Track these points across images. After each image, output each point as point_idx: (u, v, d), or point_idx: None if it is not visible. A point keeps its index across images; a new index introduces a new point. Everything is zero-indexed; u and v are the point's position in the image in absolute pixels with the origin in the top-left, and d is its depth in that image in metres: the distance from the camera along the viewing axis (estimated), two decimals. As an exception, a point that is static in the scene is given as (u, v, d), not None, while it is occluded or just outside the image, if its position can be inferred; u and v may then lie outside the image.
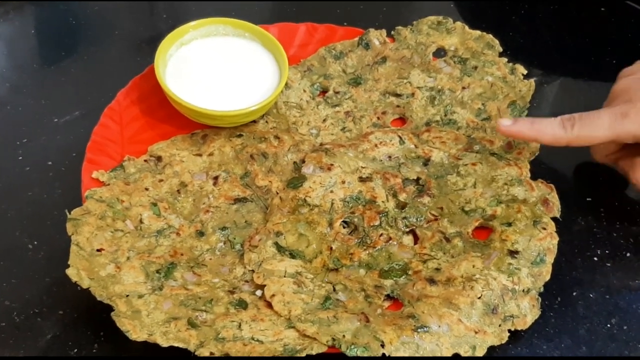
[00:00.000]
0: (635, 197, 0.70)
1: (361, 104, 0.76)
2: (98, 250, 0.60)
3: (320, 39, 0.81)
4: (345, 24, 0.83)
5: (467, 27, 0.80)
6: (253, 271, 0.60)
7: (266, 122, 0.73)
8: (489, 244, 0.61)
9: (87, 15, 0.89)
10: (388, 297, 0.59)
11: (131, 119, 0.72)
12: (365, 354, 0.53)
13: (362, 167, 0.67)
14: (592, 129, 0.61)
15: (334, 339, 0.53)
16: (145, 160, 0.68)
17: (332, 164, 0.66)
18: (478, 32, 0.79)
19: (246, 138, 0.71)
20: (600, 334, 0.60)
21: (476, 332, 0.56)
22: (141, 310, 0.55)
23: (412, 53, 0.78)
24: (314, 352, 0.53)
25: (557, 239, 0.61)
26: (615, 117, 0.61)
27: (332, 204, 0.64)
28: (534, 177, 0.66)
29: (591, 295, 0.62)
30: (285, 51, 0.73)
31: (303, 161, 0.68)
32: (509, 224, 0.62)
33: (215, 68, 0.72)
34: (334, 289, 0.59)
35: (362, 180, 0.66)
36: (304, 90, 0.76)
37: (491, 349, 0.56)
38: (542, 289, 0.59)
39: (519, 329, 0.57)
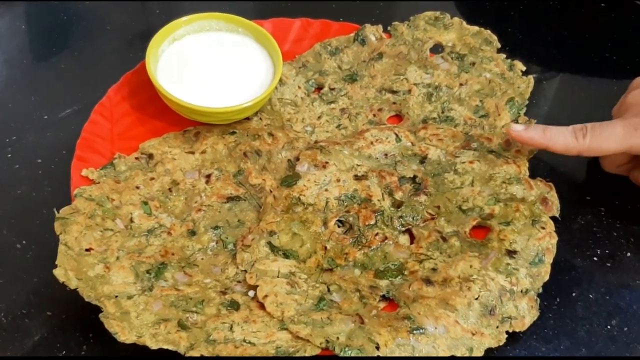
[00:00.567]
0: (635, 196, 0.68)
1: (357, 101, 0.74)
2: (87, 250, 0.58)
3: (315, 34, 0.80)
4: (340, 19, 0.82)
5: (464, 23, 0.79)
6: (246, 271, 0.59)
7: (260, 119, 0.72)
8: (486, 243, 0.60)
9: (78, 10, 0.88)
10: (383, 297, 0.58)
11: (122, 115, 0.70)
12: (360, 357, 0.52)
13: (357, 165, 0.66)
14: (605, 140, 0.61)
15: (327, 341, 0.52)
16: (136, 158, 0.67)
17: (327, 162, 0.65)
18: (476, 28, 0.78)
19: (239, 135, 0.70)
20: (600, 335, 0.59)
21: (473, 334, 0.55)
22: (130, 312, 0.54)
23: (408, 49, 0.77)
24: (307, 355, 0.52)
25: (556, 238, 0.60)
26: (628, 129, 0.61)
27: (327, 202, 0.63)
28: (532, 175, 0.65)
29: (591, 296, 0.61)
30: (280, 47, 0.72)
31: (297, 159, 0.67)
32: (507, 223, 0.61)
33: (208, 64, 0.71)
34: (328, 290, 0.58)
35: (357, 178, 0.65)
36: (299, 87, 0.75)
37: (489, 351, 0.55)
38: (540, 290, 0.58)
39: (517, 330, 0.56)
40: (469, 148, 0.67)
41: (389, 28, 0.80)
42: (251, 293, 0.58)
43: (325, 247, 0.61)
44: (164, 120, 0.71)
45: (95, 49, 0.83)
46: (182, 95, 0.67)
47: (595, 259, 0.64)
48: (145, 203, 0.63)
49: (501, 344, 0.55)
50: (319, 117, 0.73)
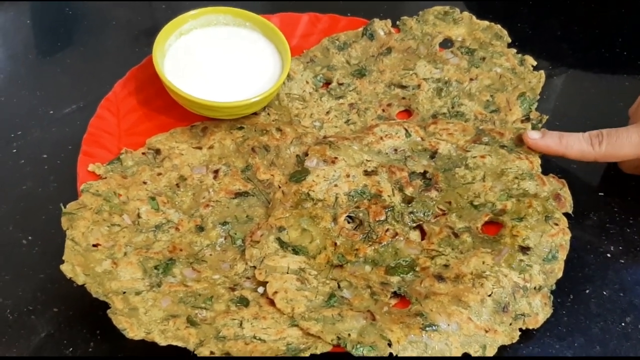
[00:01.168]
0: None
1: (366, 96, 0.74)
2: (94, 246, 0.58)
3: (323, 29, 0.79)
4: (348, 14, 0.81)
5: (474, 18, 0.78)
6: (255, 267, 0.58)
7: (268, 114, 0.71)
8: (499, 239, 0.59)
9: (84, 4, 0.87)
10: (395, 294, 0.57)
11: (128, 110, 0.70)
12: (372, 354, 0.51)
13: (367, 160, 0.65)
14: (620, 147, 0.62)
15: (339, 338, 0.52)
16: (143, 153, 0.67)
17: (336, 157, 0.64)
18: (486, 23, 0.77)
19: (247, 130, 0.69)
20: (615, 332, 0.58)
21: (486, 331, 0.54)
22: (138, 308, 0.54)
23: (418, 44, 0.77)
24: (318, 352, 0.51)
25: (570, 234, 0.60)
26: None
27: (337, 198, 0.62)
28: (544, 171, 0.64)
29: (604, 293, 0.60)
30: (287, 42, 0.71)
31: (306, 154, 0.66)
32: (520, 219, 0.60)
33: (215, 58, 0.70)
34: (339, 286, 0.57)
35: (367, 173, 0.64)
36: (307, 82, 0.74)
37: (502, 348, 0.54)
38: (554, 287, 0.57)
39: (531, 327, 0.55)
40: (480, 142, 0.67)
41: (397, 23, 0.79)
42: (260, 289, 0.57)
43: (335, 243, 0.60)
44: (170, 115, 0.70)
45: (100, 44, 0.82)
46: (189, 89, 0.66)
47: (608, 255, 0.63)
48: (153, 198, 0.62)
49: (514, 341, 0.54)
50: (328, 112, 0.72)
